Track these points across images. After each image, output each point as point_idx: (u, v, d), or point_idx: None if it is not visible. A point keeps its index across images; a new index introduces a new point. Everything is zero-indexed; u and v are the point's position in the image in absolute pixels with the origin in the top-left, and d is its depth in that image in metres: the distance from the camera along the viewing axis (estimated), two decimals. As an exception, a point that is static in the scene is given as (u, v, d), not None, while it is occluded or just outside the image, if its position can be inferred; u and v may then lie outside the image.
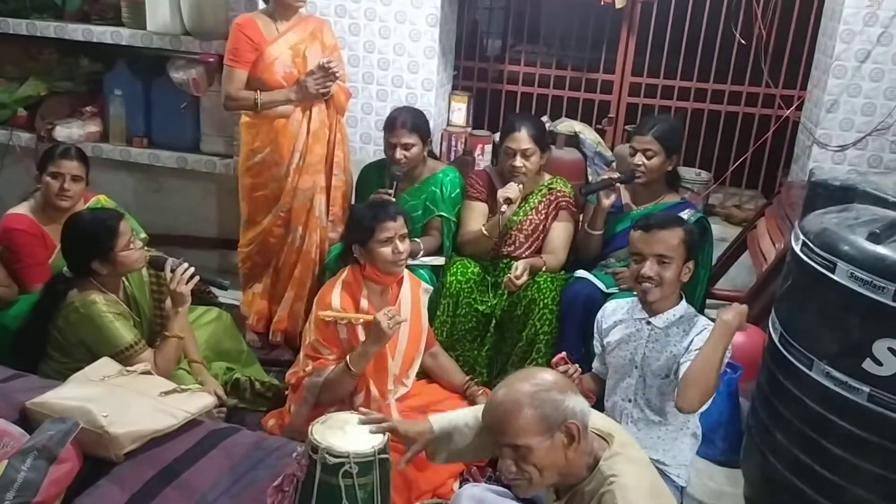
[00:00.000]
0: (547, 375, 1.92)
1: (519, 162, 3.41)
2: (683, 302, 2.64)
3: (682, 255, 2.57)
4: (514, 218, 3.51)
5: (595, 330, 2.83)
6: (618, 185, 3.38)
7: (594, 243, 3.46)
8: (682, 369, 2.46)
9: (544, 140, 3.51)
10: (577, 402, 1.85)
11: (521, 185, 3.38)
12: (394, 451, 2.28)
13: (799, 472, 2.49)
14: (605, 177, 3.43)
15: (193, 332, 3.10)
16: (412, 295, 3.06)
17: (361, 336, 2.84)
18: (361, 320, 2.81)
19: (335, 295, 2.89)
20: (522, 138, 3.40)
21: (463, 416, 2.28)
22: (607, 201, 3.36)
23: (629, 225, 3.34)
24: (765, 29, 4.13)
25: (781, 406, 2.56)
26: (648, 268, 2.56)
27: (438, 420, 2.27)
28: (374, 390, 2.88)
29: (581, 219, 3.57)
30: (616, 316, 2.75)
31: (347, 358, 2.79)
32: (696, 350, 2.46)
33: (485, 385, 3.27)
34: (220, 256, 4.53)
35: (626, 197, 3.49)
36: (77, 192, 3.30)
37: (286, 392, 3.12)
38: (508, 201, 3.30)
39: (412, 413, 2.89)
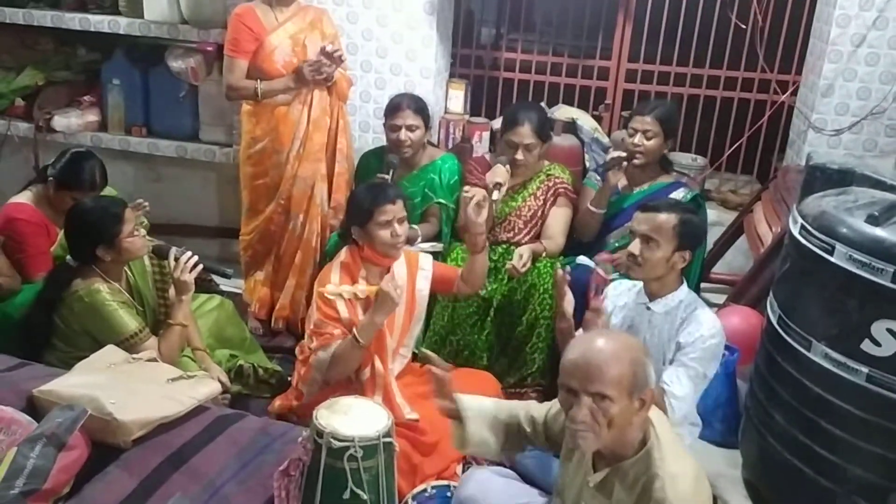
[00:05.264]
0: (634, 340, 1.95)
1: (521, 155, 3.43)
2: (684, 287, 2.66)
3: (672, 241, 2.56)
4: (513, 204, 3.53)
5: None
6: (624, 163, 3.40)
7: (595, 222, 3.49)
8: (666, 375, 2.52)
9: (546, 131, 3.52)
10: (653, 372, 1.88)
11: (507, 166, 3.39)
12: (398, 436, 2.31)
13: (798, 453, 2.51)
14: (615, 155, 3.44)
15: (196, 320, 3.12)
16: (407, 270, 3.05)
17: (361, 316, 2.86)
18: (366, 293, 2.85)
19: (334, 275, 2.92)
20: (525, 133, 3.41)
21: (498, 408, 2.27)
22: (615, 179, 3.40)
23: (626, 206, 3.42)
24: (760, 14, 4.13)
25: (780, 387, 2.58)
26: (633, 245, 2.59)
27: (471, 405, 2.23)
28: (378, 366, 2.90)
29: (579, 203, 3.59)
30: (621, 300, 2.77)
31: (354, 330, 2.81)
32: (681, 358, 2.53)
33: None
34: (221, 245, 4.54)
35: (622, 180, 3.52)
36: None
37: (289, 378, 3.15)
38: (498, 186, 3.31)
39: (414, 399, 2.91)
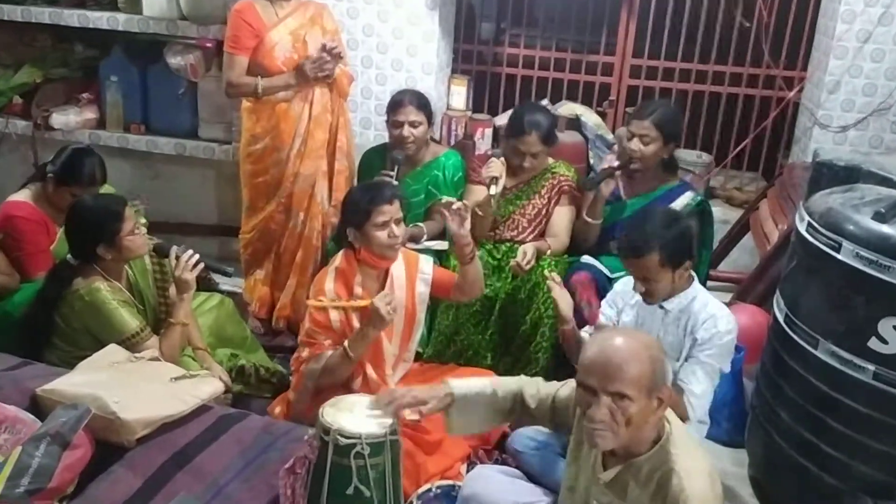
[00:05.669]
0: (652, 338, 1.95)
1: (528, 163, 3.43)
2: (696, 284, 2.64)
3: (666, 270, 2.53)
4: (518, 202, 3.52)
5: (609, 298, 2.84)
6: (617, 173, 3.36)
7: (592, 232, 3.45)
8: (682, 373, 2.52)
9: (553, 137, 3.50)
10: (670, 370, 1.88)
11: (502, 158, 3.37)
12: (403, 435, 2.30)
13: (804, 451, 2.52)
14: (605, 167, 3.42)
15: (196, 319, 3.10)
16: (406, 272, 2.99)
17: (355, 322, 2.82)
18: (355, 306, 2.81)
19: (328, 282, 2.87)
20: (532, 142, 3.39)
21: (482, 385, 2.27)
22: (607, 190, 3.35)
23: (627, 214, 3.37)
24: (766, 10, 4.13)
25: (786, 385, 2.58)
26: (636, 285, 2.59)
27: (458, 386, 2.24)
28: (371, 374, 2.88)
29: (582, 202, 3.56)
30: (631, 298, 2.74)
31: (346, 343, 2.77)
32: (697, 354, 2.54)
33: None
34: (220, 243, 4.52)
35: (621, 186, 3.47)
36: None
37: (290, 378, 3.12)
38: (495, 180, 3.29)
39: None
